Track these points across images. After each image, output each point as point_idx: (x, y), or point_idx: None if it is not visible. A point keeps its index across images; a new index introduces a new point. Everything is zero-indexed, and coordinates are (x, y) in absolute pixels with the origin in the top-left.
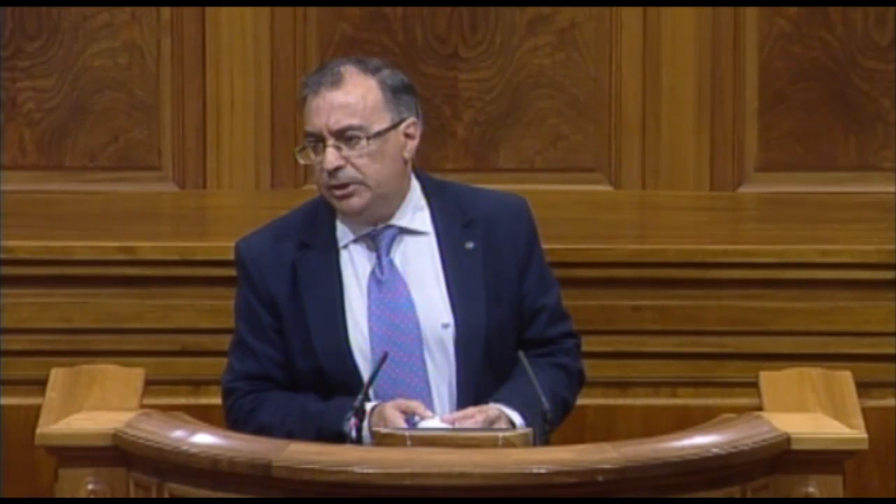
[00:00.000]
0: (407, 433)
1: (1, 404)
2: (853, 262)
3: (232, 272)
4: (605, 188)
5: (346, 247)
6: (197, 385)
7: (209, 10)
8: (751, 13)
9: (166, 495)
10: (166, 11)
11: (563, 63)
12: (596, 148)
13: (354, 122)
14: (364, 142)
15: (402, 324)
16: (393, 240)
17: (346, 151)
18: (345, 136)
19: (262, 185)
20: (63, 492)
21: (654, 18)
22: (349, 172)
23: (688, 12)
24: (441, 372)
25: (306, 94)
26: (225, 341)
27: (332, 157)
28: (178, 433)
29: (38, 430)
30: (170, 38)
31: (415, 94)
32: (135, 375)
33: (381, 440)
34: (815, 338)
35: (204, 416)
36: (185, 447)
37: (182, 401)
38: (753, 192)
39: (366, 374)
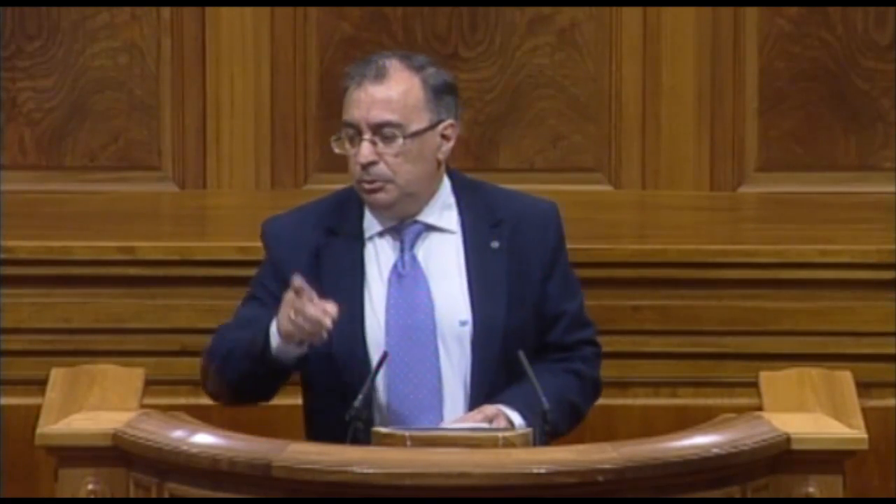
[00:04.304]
0: (407, 433)
1: (1, 404)
2: (853, 262)
3: (232, 272)
4: (605, 188)
5: (371, 238)
6: (197, 385)
7: (209, 10)
8: (751, 13)
9: (166, 495)
10: (166, 11)
11: (563, 63)
12: (596, 148)
13: (393, 118)
14: (400, 140)
15: (419, 319)
16: (418, 235)
17: (381, 147)
18: (382, 132)
19: (262, 185)
20: (63, 492)
21: (654, 18)
22: (381, 170)
23: (688, 12)
24: (456, 369)
25: (349, 84)
26: None
27: (366, 151)
28: (178, 433)
29: (38, 430)
30: (170, 38)
31: (456, 94)
32: (135, 375)
33: (381, 440)
34: (815, 338)
35: (204, 416)
36: (185, 447)
37: (182, 401)
38: (753, 192)
39: (375, 364)
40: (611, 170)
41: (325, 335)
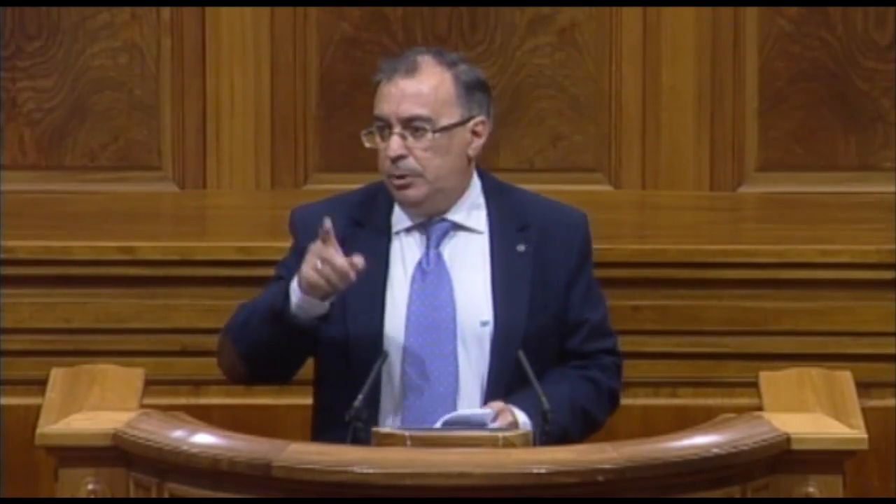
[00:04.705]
0: (407, 433)
1: (1, 404)
2: (853, 262)
3: (231, 272)
4: (605, 188)
5: (398, 233)
6: (197, 385)
7: (209, 10)
8: (751, 13)
9: (166, 495)
10: (166, 11)
11: (563, 63)
12: (596, 148)
13: (423, 112)
14: (429, 135)
15: (440, 316)
16: (445, 234)
17: (410, 141)
18: (411, 126)
19: (262, 185)
20: (63, 492)
21: (654, 18)
22: (410, 164)
23: (688, 12)
24: (474, 369)
25: (380, 78)
26: None
27: (395, 145)
28: (178, 433)
29: (38, 430)
30: (170, 38)
31: (488, 92)
32: (135, 375)
33: (381, 440)
34: (815, 338)
35: (204, 416)
36: (185, 447)
37: (182, 401)
38: (753, 192)
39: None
40: (611, 170)
41: (343, 288)
